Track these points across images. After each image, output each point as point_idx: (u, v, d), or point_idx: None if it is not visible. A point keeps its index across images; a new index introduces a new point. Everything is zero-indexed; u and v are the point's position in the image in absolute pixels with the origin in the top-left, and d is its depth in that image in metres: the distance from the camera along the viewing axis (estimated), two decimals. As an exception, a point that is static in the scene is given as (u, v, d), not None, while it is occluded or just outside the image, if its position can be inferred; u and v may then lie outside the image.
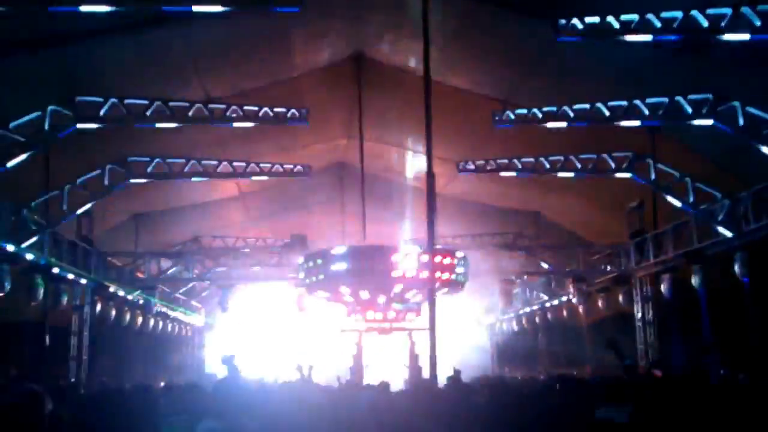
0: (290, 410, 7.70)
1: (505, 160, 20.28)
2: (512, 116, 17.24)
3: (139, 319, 25.04)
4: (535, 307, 28.42)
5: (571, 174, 19.69)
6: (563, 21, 12.76)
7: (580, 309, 23.77)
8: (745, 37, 12.05)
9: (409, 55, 17.94)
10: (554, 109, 16.76)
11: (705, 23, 12.23)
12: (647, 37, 12.66)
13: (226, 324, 33.38)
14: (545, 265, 26.24)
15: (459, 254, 20.12)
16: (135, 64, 15.64)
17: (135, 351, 24.97)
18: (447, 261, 19.33)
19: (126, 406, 6.93)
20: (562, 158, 19.56)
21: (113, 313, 22.54)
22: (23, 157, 15.02)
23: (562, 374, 13.70)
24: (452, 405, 8.19)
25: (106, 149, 18.14)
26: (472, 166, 20.80)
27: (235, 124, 16.94)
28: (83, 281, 20.41)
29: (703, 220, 17.75)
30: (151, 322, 26.19)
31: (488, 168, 20.66)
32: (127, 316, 23.85)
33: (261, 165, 20.45)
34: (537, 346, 29.12)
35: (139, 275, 23.83)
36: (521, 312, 29.54)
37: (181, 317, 30.09)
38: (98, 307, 21.55)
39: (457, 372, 13.66)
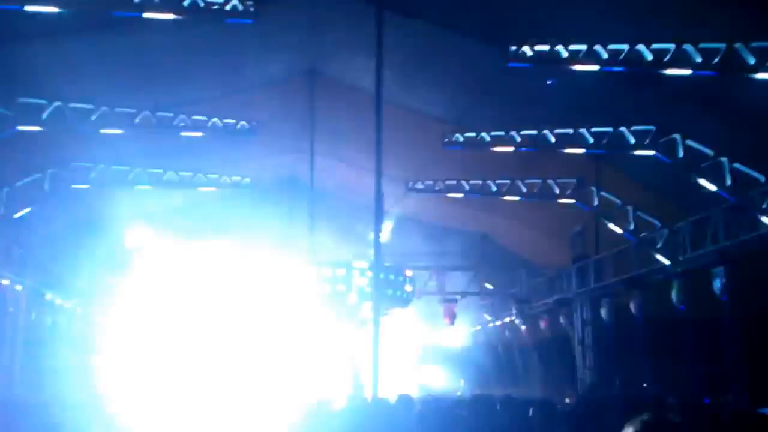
0: None
1: (454, 182, 20.50)
2: (461, 139, 17.47)
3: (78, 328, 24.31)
4: (478, 328, 28.58)
5: (516, 198, 20.00)
6: (513, 48, 13.01)
7: (523, 330, 24.03)
8: (687, 72, 12.48)
9: (362, 73, 17.99)
10: (502, 133, 17.04)
11: (649, 57, 12.61)
12: (594, 67, 12.99)
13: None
14: (489, 286, 26.49)
15: (407, 272, 20.18)
16: (82, 68, 15.29)
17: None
18: (394, 278, 19.39)
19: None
20: (508, 182, 19.85)
21: (49, 320, 21.89)
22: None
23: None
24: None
25: (49, 153, 17.71)
26: (420, 186, 20.96)
27: (183, 134, 16.78)
28: (18, 287, 19.80)
29: (642, 248, 18.18)
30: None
31: (436, 188, 20.86)
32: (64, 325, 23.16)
33: (208, 176, 20.25)
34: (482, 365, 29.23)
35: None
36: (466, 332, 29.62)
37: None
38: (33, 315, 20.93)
39: None
